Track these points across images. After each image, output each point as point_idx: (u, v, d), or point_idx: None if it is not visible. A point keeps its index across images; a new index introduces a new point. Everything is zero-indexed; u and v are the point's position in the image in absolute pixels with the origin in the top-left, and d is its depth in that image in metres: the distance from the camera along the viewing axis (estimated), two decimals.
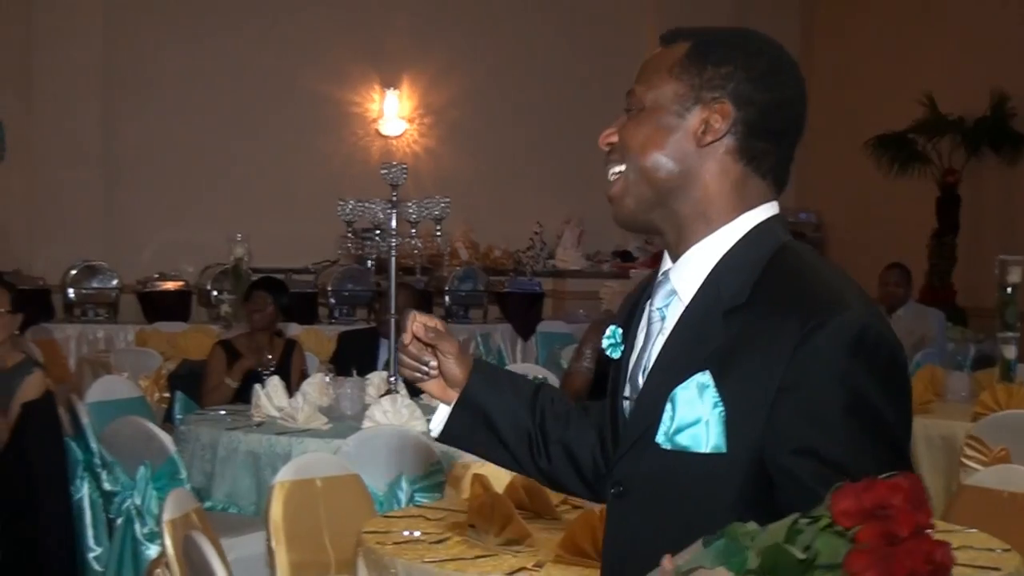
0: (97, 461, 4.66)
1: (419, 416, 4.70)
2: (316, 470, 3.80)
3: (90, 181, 10.66)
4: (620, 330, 1.79)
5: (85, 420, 4.78)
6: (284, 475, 3.71)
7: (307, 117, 11.26)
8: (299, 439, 4.62)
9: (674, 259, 1.71)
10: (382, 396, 5.04)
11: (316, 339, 7.85)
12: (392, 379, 5.28)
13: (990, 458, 4.87)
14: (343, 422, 4.90)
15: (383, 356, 6.54)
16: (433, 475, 4.28)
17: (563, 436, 1.92)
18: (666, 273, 1.72)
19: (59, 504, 4.59)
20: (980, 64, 10.10)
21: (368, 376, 5.45)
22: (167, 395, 6.44)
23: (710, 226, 1.68)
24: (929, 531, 1.15)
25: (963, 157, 9.93)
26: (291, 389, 5.21)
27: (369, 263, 10.36)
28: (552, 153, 11.93)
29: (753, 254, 1.65)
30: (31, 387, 4.78)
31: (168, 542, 3.11)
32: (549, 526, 3.21)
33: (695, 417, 1.59)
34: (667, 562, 1.26)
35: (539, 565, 2.86)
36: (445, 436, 1.95)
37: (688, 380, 1.59)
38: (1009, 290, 5.94)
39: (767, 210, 1.69)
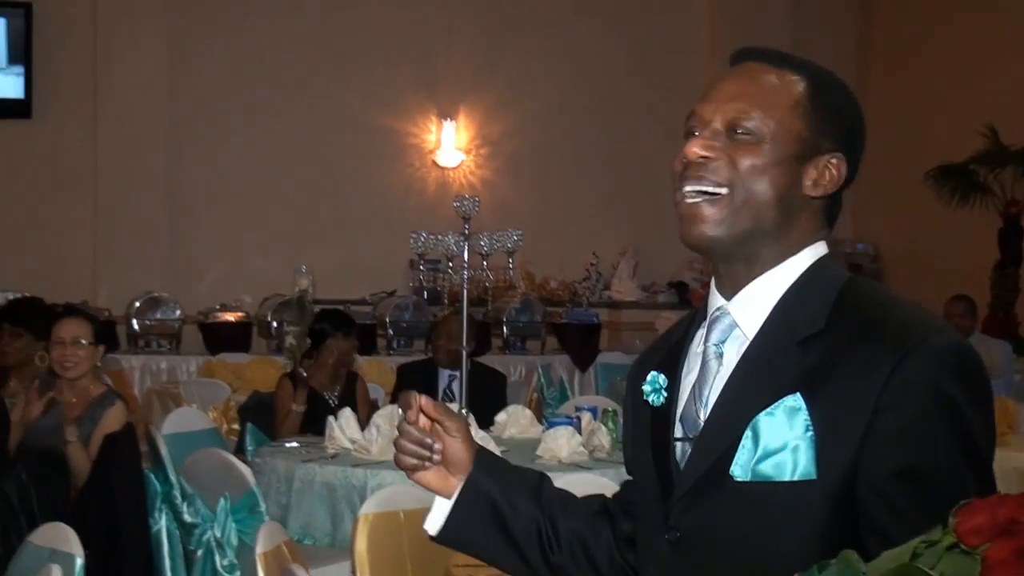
0: (176, 493, 4.70)
1: (493, 447, 4.72)
2: (399, 503, 3.81)
3: (154, 213, 10.79)
4: (662, 376, 1.72)
5: (164, 452, 4.83)
6: (368, 508, 3.73)
7: (365, 148, 11.35)
8: (374, 471, 4.65)
9: (731, 294, 1.68)
10: None
11: (379, 370, 7.90)
12: (464, 411, 5.31)
13: None
14: None
15: (443, 385, 6.59)
16: None
17: (576, 528, 1.83)
18: (721, 308, 1.68)
19: (139, 536, 4.64)
20: None
21: None
22: (235, 427, 6.50)
23: (777, 262, 1.66)
24: None
25: None
26: (360, 421, 5.25)
27: (425, 294, 10.44)
28: (608, 184, 11.96)
29: (821, 287, 1.63)
30: (113, 419, 4.84)
31: (262, 575, 3.14)
32: None
33: (782, 443, 1.54)
34: None
35: None
36: (447, 533, 1.81)
37: (774, 405, 1.55)
38: None
39: (823, 246, 1.69)
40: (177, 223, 10.91)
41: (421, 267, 5.39)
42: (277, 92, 11.11)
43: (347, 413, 5.17)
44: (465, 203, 5.18)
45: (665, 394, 1.71)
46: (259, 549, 3.18)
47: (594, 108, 11.96)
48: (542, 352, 10.24)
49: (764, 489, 1.55)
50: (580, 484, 4.10)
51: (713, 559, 1.61)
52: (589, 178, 11.95)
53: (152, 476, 4.80)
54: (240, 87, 11.07)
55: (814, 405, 1.54)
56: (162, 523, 4.75)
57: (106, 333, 5.22)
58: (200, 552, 4.51)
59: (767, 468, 1.55)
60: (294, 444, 5.24)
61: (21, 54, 10.51)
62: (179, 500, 4.66)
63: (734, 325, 1.66)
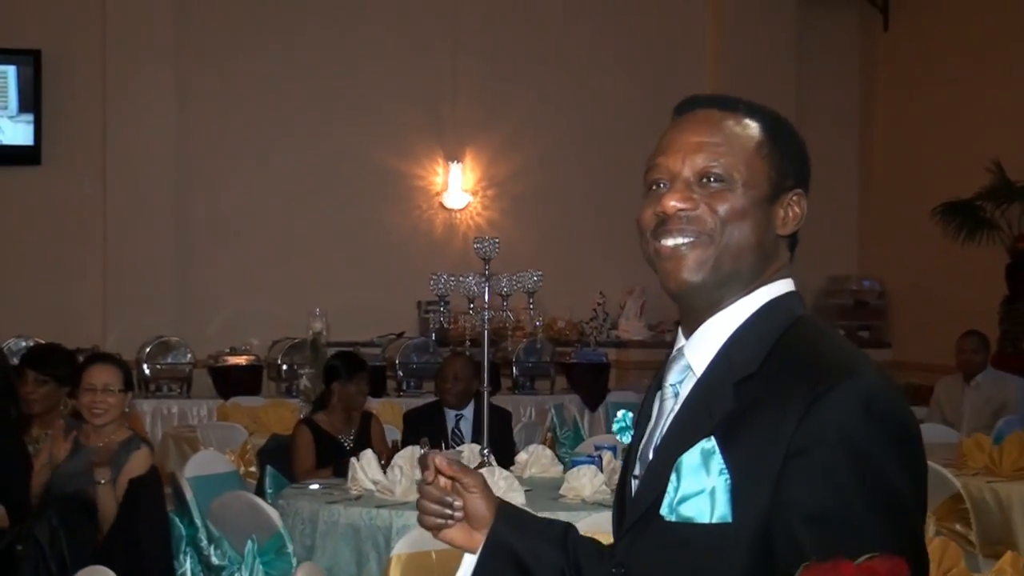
0: (201, 536, 4.71)
1: (517, 487, 4.72)
2: (431, 543, 3.82)
3: (162, 258, 10.83)
4: (631, 414, 1.78)
5: (189, 495, 4.83)
6: (401, 548, 3.75)
7: (372, 191, 11.41)
8: (399, 512, 4.66)
9: (689, 333, 1.69)
10: (475, 468, 5.08)
11: (392, 411, 7.91)
12: (485, 452, 5.33)
13: None
14: None
15: (450, 426, 6.61)
16: None
17: (600, 574, 1.81)
18: (680, 349, 1.70)
19: None
20: None
21: (460, 448, 5.53)
22: (252, 469, 6.51)
23: (733, 301, 1.67)
24: None
25: None
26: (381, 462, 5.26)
27: (433, 335, 10.46)
28: (614, 225, 11.99)
29: (766, 326, 1.64)
30: (138, 462, 4.85)
31: None
32: None
33: (700, 487, 1.54)
34: None
35: None
36: None
37: (693, 448, 1.56)
38: None
39: (784, 285, 1.70)
40: (186, 267, 10.95)
41: (441, 308, 5.40)
42: (285, 137, 11.18)
43: (368, 455, 5.19)
44: (485, 244, 5.22)
45: (632, 431, 1.77)
46: None
47: (599, 148, 12.02)
48: (551, 392, 10.25)
49: (687, 530, 1.56)
50: (605, 523, 4.12)
51: None
52: (595, 218, 12.00)
53: (177, 519, 4.81)
54: (248, 132, 11.14)
55: (731, 448, 1.54)
56: (187, 566, 4.76)
57: (131, 378, 5.24)
58: None
59: (687, 510, 1.56)
60: (316, 486, 5.25)
61: (31, 102, 10.58)
62: (205, 543, 4.67)
63: (688, 366, 1.67)
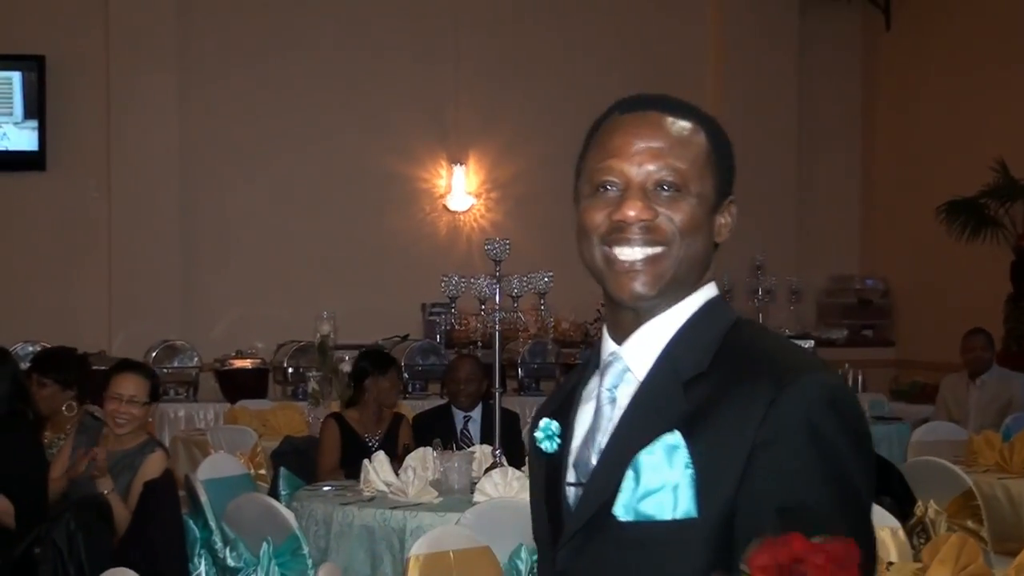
0: (216, 538, 4.73)
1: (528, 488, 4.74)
2: (448, 543, 3.86)
3: (167, 262, 10.84)
4: (556, 423, 1.71)
5: (203, 498, 4.85)
6: (419, 549, 3.77)
7: (376, 195, 11.42)
8: (413, 513, 4.69)
9: (622, 338, 1.67)
10: (488, 469, 5.11)
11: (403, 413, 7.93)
12: (497, 452, 5.35)
13: None
14: (452, 496, 4.97)
15: (459, 427, 6.63)
16: None
17: None
18: (614, 353, 1.67)
19: None
20: None
21: (472, 449, 5.55)
22: (263, 472, 6.53)
23: (668, 307, 1.67)
24: None
25: None
26: (397, 461, 5.28)
27: (438, 337, 10.48)
28: None
29: (708, 328, 1.64)
30: (153, 466, 4.88)
31: None
32: None
33: (662, 482, 1.53)
34: None
35: None
36: None
37: (654, 443, 1.54)
38: None
39: (713, 288, 1.70)
40: (190, 271, 10.96)
41: (452, 310, 5.43)
42: (289, 141, 11.20)
43: (380, 456, 5.21)
44: (496, 246, 5.24)
45: (559, 440, 1.70)
46: None
47: None
48: None
49: (646, 529, 1.54)
50: None
51: None
52: None
53: (191, 522, 4.83)
54: (252, 136, 11.15)
55: (694, 443, 1.53)
56: (201, 568, 4.78)
57: (159, 388, 5.27)
58: None
59: (648, 507, 1.54)
60: (328, 488, 5.27)
61: (35, 108, 10.60)
62: (220, 545, 4.70)
63: (626, 369, 1.66)
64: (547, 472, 1.70)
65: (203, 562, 4.76)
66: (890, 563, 3.71)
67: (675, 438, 1.53)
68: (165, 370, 9.64)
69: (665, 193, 1.63)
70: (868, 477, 1.53)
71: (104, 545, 4.31)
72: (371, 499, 4.94)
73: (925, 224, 10.55)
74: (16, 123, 10.62)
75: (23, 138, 10.62)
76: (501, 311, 5.30)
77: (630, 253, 1.63)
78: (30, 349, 8.53)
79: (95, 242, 10.77)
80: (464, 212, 11.88)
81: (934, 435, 6.94)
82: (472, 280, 5.28)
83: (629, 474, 1.55)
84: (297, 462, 6.04)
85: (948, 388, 8.23)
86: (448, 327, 10.21)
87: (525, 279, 5.32)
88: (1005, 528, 5.35)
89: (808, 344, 3.13)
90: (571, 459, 1.67)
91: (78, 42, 10.80)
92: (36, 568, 4.13)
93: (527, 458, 1.91)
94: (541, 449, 1.71)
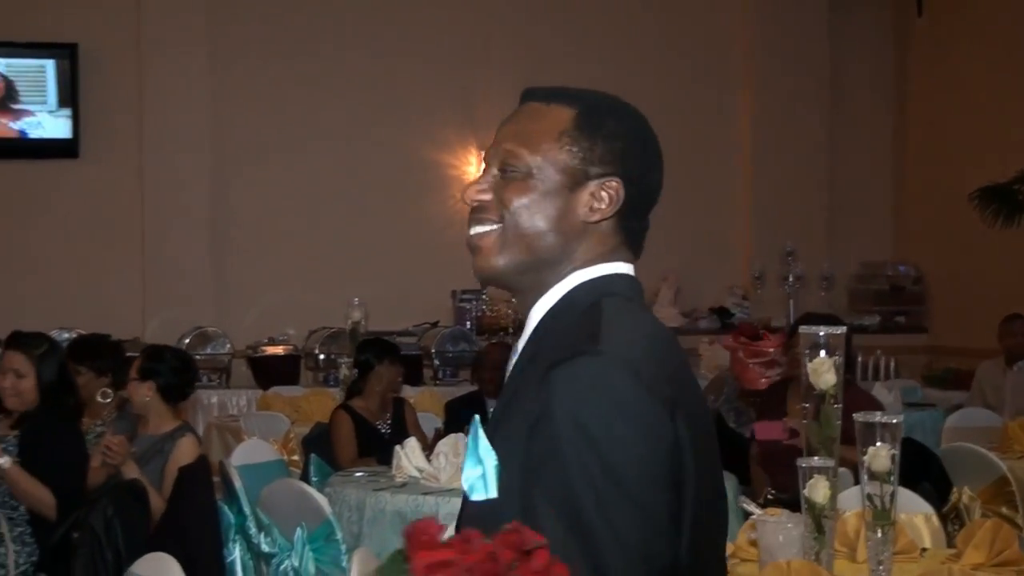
0: (250, 524, 4.77)
1: None
2: None
3: (199, 249, 10.90)
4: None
5: (238, 484, 4.89)
6: (451, 534, 3.78)
7: (407, 181, 11.44)
8: (445, 498, 4.70)
9: (523, 321, 1.74)
10: None
11: (431, 400, 7.96)
12: None
13: None
14: None
15: (490, 413, 6.66)
16: None
17: None
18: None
19: (215, 567, 4.70)
20: None
21: None
22: (295, 458, 6.57)
23: (548, 287, 1.70)
24: None
25: None
26: (427, 449, 5.31)
27: (468, 324, 10.50)
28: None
29: (568, 310, 1.67)
30: (185, 450, 4.91)
31: None
32: None
33: (480, 467, 1.59)
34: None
35: None
36: None
37: (473, 428, 1.61)
38: None
39: (604, 269, 1.71)
40: (223, 258, 11.02)
41: (483, 296, 5.44)
42: (320, 128, 11.23)
43: (412, 443, 5.23)
44: None
45: None
46: (353, 574, 3.23)
47: None
48: None
49: (472, 507, 1.61)
50: None
51: None
52: None
53: (226, 507, 4.87)
54: (284, 123, 11.18)
55: (499, 429, 1.59)
56: (236, 554, 4.82)
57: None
58: None
59: (471, 488, 1.60)
60: (361, 474, 5.29)
61: (69, 96, 10.66)
62: (254, 531, 4.73)
63: (517, 351, 1.72)
64: None
65: (237, 547, 4.80)
66: (924, 549, 3.71)
67: (475, 423, 1.60)
68: (198, 357, 9.69)
69: (507, 174, 1.70)
70: (630, 456, 1.50)
71: (141, 530, 4.35)
72: (403, 485, 4.96)
73: (958, 210, 10.49)
74: (50, 111, 10.68)
75: (57, 126, 10.69)
76: None
77: (471, 231, 1.74)
78: (65, 336, 8.58)
79: (128, 229, 10.84)
80: None
81: (968, 421, 6.91)
82: None
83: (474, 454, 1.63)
84: (328, 448, 6.07)
85: (984, 374, 8.20)
86: (478, 314, 10.27)
87: None
88: None
89: (840, 331, 3.10)
90: None
91: (111, 30, 10.85)
92: (74, 553, 4.17)
93: None
94: None
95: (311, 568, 4.43)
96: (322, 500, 4.52)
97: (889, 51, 12.56)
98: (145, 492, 4.55)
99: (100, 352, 5.97)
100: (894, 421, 3.12)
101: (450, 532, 1.49)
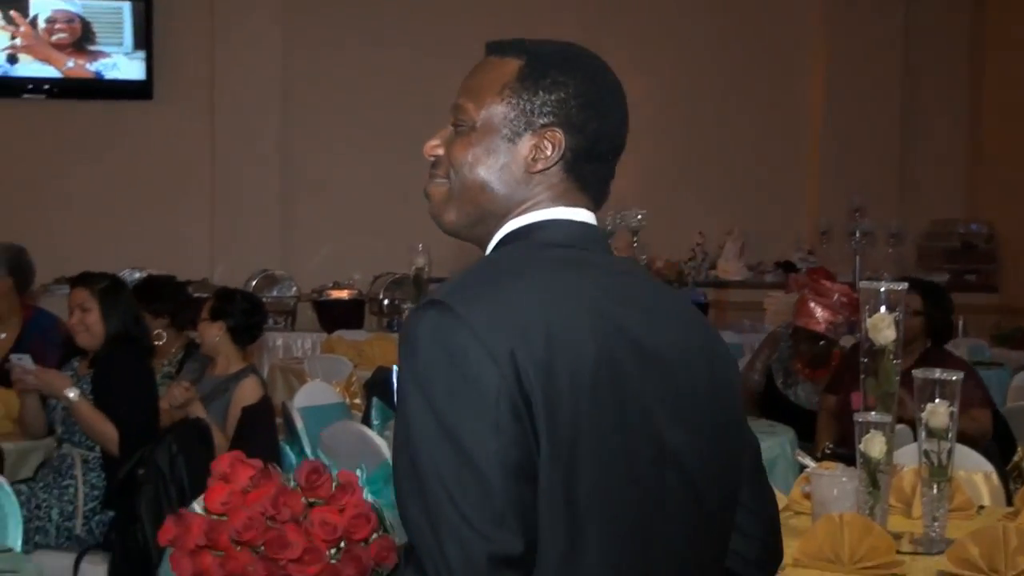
0: None
1: None
2: None
3: (267, 193, 11.00)
4: None
5: (299, 425, 4.96)
6: None
7: None
8: None
9: None
10: None
11: None
12: None
13: None
14: None
15: None
16: None
17: None
18: None
19: None
20: None
21: None
22: (357, 401, 6.63)
23: (487, 239, 1.72)
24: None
25: None
26: None
27: None
28: (715, 164, 11.94)
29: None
30: (249, 391, 4.99)
31: None
32: None
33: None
34: None
35: (780, 568, 2.90)
36: None
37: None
38: None
39: (536, 216, 1.69)
40: (290, 202, 11.11)
41: None
42: (389, 75, 11.25)
43: None
44: None
45: None
46: None
47: (701, 89, 11.94)
48: None
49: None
50: None
51: None
52: (694, 158, 11.94)
53: (287, 448, 4.94)
54: (353, 71, 11.22)
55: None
56: None
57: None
58: None
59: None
60: None
61: (143, 38, 10.78)
62: None
63: None
64: None
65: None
66: (981, 507, 3.70)
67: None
68: (264, 299, 9.81)
69: (458, 129, 1.73)
70: (453, 407, 1.48)
71: (204, 468, 4.40)
72: None
73: None
74: (126, 53, 10.80)
75: (132, 68, 10.82)
76: None
77: (427, 185, 1.77)
78: (136, 276, 8.72)
79: (198, 171, 10.96)
80: None
81: None
82: None
83: None
84: (390, 392, 6.11)
85: None
86: None
87: (618, 216, 5.32)
88: None
89: (900, 286, 3.06)
90: None
91: None
92: (139, 489, 4.25)
93: None
94: None
95: None
96: (382, 443, 4.56)
97: (966, 2, 12.33)
98: (209, 431, 4.62)
99: (158, 295, 6.04)
100: (952, 378, 3.10)
101: None
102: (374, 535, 2.38)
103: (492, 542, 1.45)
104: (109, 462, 4.54)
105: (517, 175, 1.70)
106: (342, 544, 1.15)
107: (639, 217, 5.29)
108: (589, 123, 1.71)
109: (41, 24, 10.69)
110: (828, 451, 4.43)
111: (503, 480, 1.47)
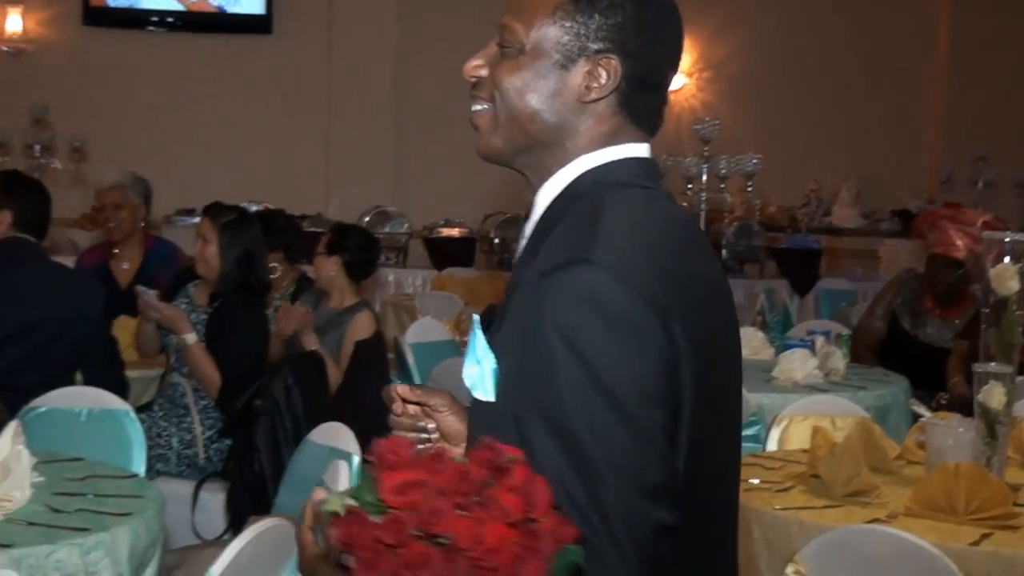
0: None
1: None
2: None
3: (382, 130, 11.09)
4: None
5: (411, 360, 5.02)
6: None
7: None
8: None
9: (529, 204, 1.64)
10: None
11: None
12: None
13: None
14: None
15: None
16: (751, 425, 4.34)
17: None
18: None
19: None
20: None
21: None
22: (466, 339, 6.69)
23: (552, 173, 1.61)
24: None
25: None
26: None
27: None
28: (830, 111, 11.75)
29: (566, 200, 1.58)
30: (360, 325, 5.04)
31: None
32: (886, 480, 3.21)
33: (482, 366, 1.51)
34: (317, 493, 1.28)
35: (892, 516, 2.88)
36: None
37: (474, 327, 1.55)
38: None
39: (611, 153, 1.60)
40: (403, 139, 11.19)
41: None
42: (490, 17, 11.20)
43: None
44: (705, 126, 5.21)
45: None
46: None
47: (818, 34, 11.73)
48: (760, 276, 10.15)
49: (479, 406, 1.52)
50: (815, 406, 4.13)
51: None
52: (809, 104, 11.76)
53: (398, 383, 5.00)
54: (465, 10, 11.21)
55: (497, 328, 1.52)
56: None
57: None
58: None
59: (476, 387, 1.52)
60: None
61: None
62: None
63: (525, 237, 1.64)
64: None
65: None
66: None
67: (476, 324, 1.54)
68: (377, 235, 9.91)
69: (504, 51, 1.61)
70: (623, 370, 1.42)
71: (319, 399, 4.50)
72: None
73: None
74: None
75: (253, 2, 10.98)
76: (708, 191, 5.28)
77: (470, 108, 1.65)
78: (254, 209, 8.86)
79: (314, 106, 11.08)
80: (675, 91, 11.74)
81: None
82: (680, 159, 5.26)
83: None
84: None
85: None
86: None
87: (733, 160, 5.28)
88: None
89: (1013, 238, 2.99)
90: None
91: None
92: (256, 419, 4.34)
93: None
94: None
95: None
96: None
97: None
98: (323, 363, 4.69)
99: (272, 227, 6.10)
100: None
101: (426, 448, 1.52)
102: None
103: (656, 510, 1.42)
104: (225, 391, 4.62)
105: (569, 104, 1.59)
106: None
107: (754, 162, 5.23)
108: (645, 49, 1.60)
109: None
110: (943, 401, 4.38)
111: (665, 445, 1.44)
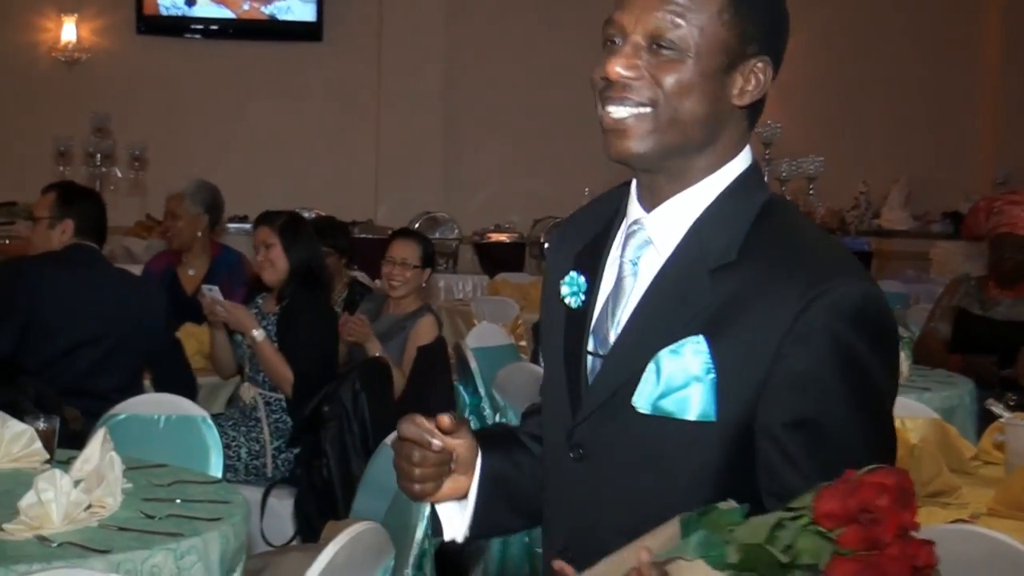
0: (485, 404, 4.91)
1: None
2: None
3: (431, 136, 11.12)
4: (583, 278, 1.65)
5: (473, 365, 5.03)
6: None
7: None
8: None
9: (650, 207, 1.59)
10: None
11: None
12: None
13: None
14: None
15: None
16: None
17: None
18: (639, 222, 1.60)
19: None
20: None
21: None
22: (523, 343, 6.70)
23: (700, 177, 1.57)
24: (913, 531, 1.14)
25: None
26: None
27: None
28: (880, 111, 11.68)
29: (739, 207, 1.55)
30: (424, 330, 5.07)
31: None
32: (965, 480, 3.19)
33: (683, 382, 1.48)
34: (644, 555, 1.22)
35: (974, 516, 2.87)
36: (479, 528, 1.74)
37: (679, 344, 1.49)
38: None
39: (746, 158, 1.60)
40: (452, 145, 11.22)
41: None
42: (553, 19, 11.23)
43: None
44: (768, 129, 5.21)
45: (583, 298, 1.64)
46: None
47: (867, 36, 11.67)
48: None
49: (663, 423, 1.51)
50: None
51: (612, 481, 1.57)
52: (858, 106, 11.70)
53: (461, 388, 5.02)
54: (517, 13, 11.25)
55: (718, 347, 1.48)
56: None
57: (433, 256, 5.44)
58: None
59: (668, 405, 1.50)
60: None
61: None
62: (488, 412, 4.87)
63: (650, 242, 1.59)
64: (567, 327, 1.66)
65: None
66: None
67: (700, 342, 1.48)
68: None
69: (661, 52, 1.53)
70: (893, 387, 1.51)
71: (386, 405, 4.52)
72: None
73: None
74: None
75: (304, 9, 11.09)
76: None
77: (614, 112, 1.57)
78: (305, 215, 8.91)
79: (364, 113, 11.14)
80: None
81: None
82: None
83: (651, 368, 1.51)
84: None
85: None
86: None
87: (795, 163, 5.27)
88: None
89: None
90: (592, 324, 1.63)
91: None
92: (324, 425, 4.37)
93: (542, 301, 1.79)
94: (566, 302, 1.66)
95: None
96: None
97: None
98: (389, 368, 4.72)
99: (322, 233, 6.13)
100: None
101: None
102: None
103: None
104: (292, 403, 4.66)
105: (726, 107, 1.56)
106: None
107: (816, 164, 5.22)
108: (782, 50, 1.58)
109: None
110: (1012, 402, 4.33)
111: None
